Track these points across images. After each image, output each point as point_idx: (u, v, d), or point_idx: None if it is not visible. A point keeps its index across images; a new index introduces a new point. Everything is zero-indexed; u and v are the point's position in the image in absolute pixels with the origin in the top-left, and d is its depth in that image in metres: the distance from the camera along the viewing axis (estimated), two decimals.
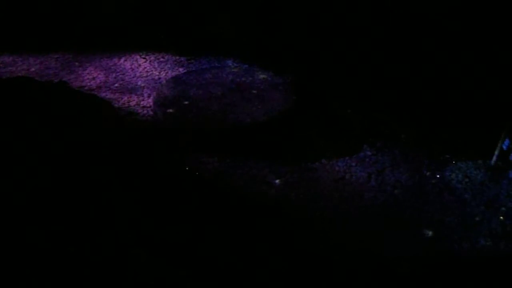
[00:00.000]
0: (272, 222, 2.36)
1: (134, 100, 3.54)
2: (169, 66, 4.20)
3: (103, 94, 3.61)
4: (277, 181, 2.68)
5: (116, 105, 3.43)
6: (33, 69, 4.06)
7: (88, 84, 3.81)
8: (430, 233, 2.31)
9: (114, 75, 3.99)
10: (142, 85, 3.81)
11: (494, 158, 2.81)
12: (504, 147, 2.72)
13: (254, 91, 3.34)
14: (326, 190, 2.62)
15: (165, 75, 4.01)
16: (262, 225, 2.34)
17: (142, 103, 3.51)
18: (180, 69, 4.12)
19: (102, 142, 2.83)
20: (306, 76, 3.73)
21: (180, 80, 3.53)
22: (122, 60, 4.29)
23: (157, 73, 4.04)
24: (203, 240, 2.19)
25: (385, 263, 2.14)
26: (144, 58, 4.35)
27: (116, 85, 3.79)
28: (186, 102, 3.17)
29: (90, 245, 2.07)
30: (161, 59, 4.34)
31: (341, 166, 2.85)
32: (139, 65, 4.20)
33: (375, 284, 2.03)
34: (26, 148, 2.57)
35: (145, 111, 3.39)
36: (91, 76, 3.96)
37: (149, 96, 3.60)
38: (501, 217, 2.43)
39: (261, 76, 3.62)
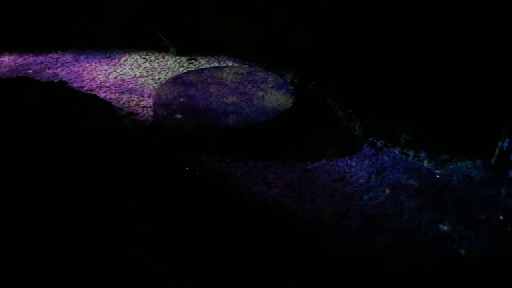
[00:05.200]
0: (272, 223, 2.36)
1: (134, 100, 3.54)
2: (169, 66, 4.21)
3: (103, 94, 3.61)
4: (277, 181, 2.68)
5: (116, 105, 3.43)
6: (33, 69, 4.06)
7: (88, 84, 3.81)
8: (430, 233, 2.31)
9: (114, 75, 3.99)
10: (142, 85, 3.81)
11: (494, 158, 2.81)
12: (504, 147, 2.72)
13: (255, 91, 3.34)
14: (326, 190, 2.62)
15: (165, 75, 4.01)
16: (262, 225, 2.34)
17: (142, 103, 3.51)
18: (180, 69, 4.12)
19: (102, 142, 2.83)
20: (306, 76, 3.73)
21: (180, 80, 3.53)
22: (122, 60, 4.29)
23: (157, 73, 4.04)
24: (203, 240, 2.19)
25: (385, 263, 2.14)
26: (144, 58, 4.35)
27: (116, 85, 3.80)
28: (186, 102, 3.17)
29: (90, 245, 2.07)
30: (161, 59, 4.34)
31: (341, 166, 2.85)
32: (139, 65, 4.20)
33: (375, 284, 2.03)
34: (26, 149, 2.57)
35: (145, 111, 3.39)
36: (91, 76, 3.96)
37: (149, 96, 3.60)
38: (501, 217, 2.43)
39: (262, 76, 3.62)
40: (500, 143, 2.75)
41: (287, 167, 2.81)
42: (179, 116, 3.01)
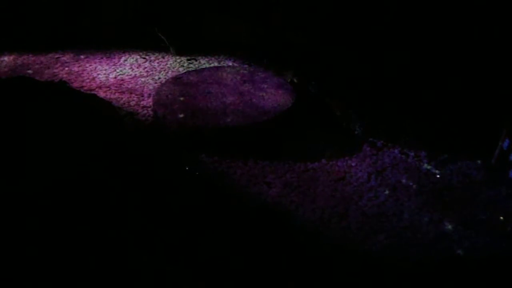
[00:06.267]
0: (272, 222, 2.36)
1: (134, 100, 3.54)
2: (169, 66, 4.21)
3: (103, 94, 3.61)
4: (277, 181, 2.68)
5: (116, 105, 3.43)
6: (33, 69, 4.06)
7: (88, 84, 3.81)
8: (430, 233, 2.31)
9: (114, 75, 3.99)
10: (142, 85, 3.81)
11: (494, 158, 2.80)
12: (504, 147, 2.72)
13: (254, 91, 3.34)
14: (326, 190, 2.62)
15: (165, 75, 4.01)
16: (262, 225, 2.34)
17: (142, 103, 3.51)
18: (180, 69, 4.12)
19: (102, 142, 2.83)
20: (306, 76, 3.73)
21: (180, 79, 3.53)
22: (122, 60, 4.29)
23: (157, 73, 4.04)
24: (203, 240, 2.19)
25: (385, 263, 2.14)
26: (144, 58, 4.35)
27: (116, 85, 3.80)
28: (186, 102, 3.17)
29: (90, 245, 2.07)
30: (161, 59, 4.34)
31: (341, 166, 2.85)
32: (139, 65, 4.20)
33: (375, 284, 2.03)
34: (26, 149, 2.57)
35: (145, 111, 3.39)
36: (91, 76, 3.96)
37: (149, 96, 3.60)
38: (501, 217, 2.43)
39: (262, 76, 3.62)
40: (500, 143, 2.75)
41: (287, 167, 2.81)
42: (179, 116, 3.01)
